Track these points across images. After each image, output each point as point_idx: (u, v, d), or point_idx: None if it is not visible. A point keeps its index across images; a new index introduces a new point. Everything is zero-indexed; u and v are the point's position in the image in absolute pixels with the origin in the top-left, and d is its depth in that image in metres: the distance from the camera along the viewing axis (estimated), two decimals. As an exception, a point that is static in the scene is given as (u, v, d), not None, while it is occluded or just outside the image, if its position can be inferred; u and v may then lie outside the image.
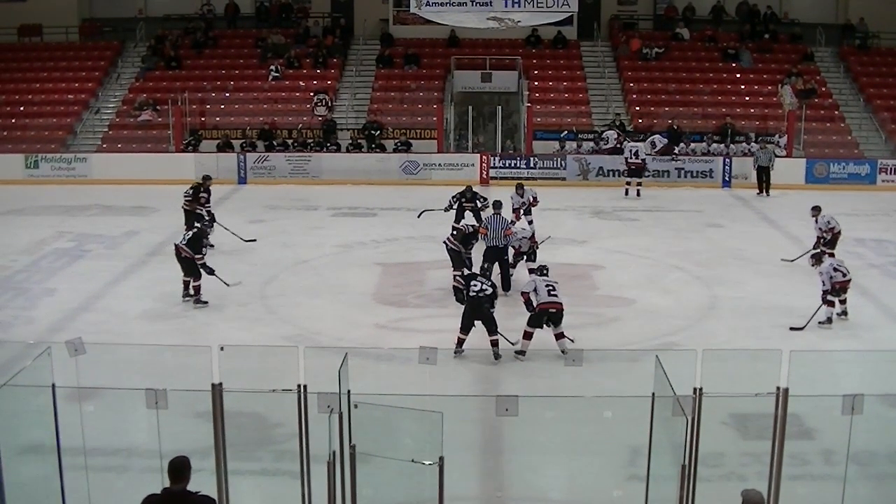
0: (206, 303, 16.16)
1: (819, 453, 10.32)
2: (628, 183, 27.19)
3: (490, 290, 13.65)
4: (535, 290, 13.65)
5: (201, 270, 16.14)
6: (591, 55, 35.18)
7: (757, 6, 36.05)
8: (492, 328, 13.46)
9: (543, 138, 30.73)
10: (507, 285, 16.59)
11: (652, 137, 29.30)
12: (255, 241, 20.08)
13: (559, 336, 13.52)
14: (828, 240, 18.22)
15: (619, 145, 29.05)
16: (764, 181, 27.24)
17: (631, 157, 27.10)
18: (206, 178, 21.02)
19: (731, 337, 14.41)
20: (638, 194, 26.71)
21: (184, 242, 16.17)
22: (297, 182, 28.46)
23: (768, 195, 26.85)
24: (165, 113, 31.12)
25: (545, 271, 14.30)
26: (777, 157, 28.26)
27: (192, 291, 16.21)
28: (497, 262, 16.61)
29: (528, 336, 13.51)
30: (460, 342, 13.53)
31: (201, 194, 20.29)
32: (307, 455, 7.65)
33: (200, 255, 16.09)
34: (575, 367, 8.07)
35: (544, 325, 13.53)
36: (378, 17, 36.73)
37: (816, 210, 18.94)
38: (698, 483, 7.59)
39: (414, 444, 7.23)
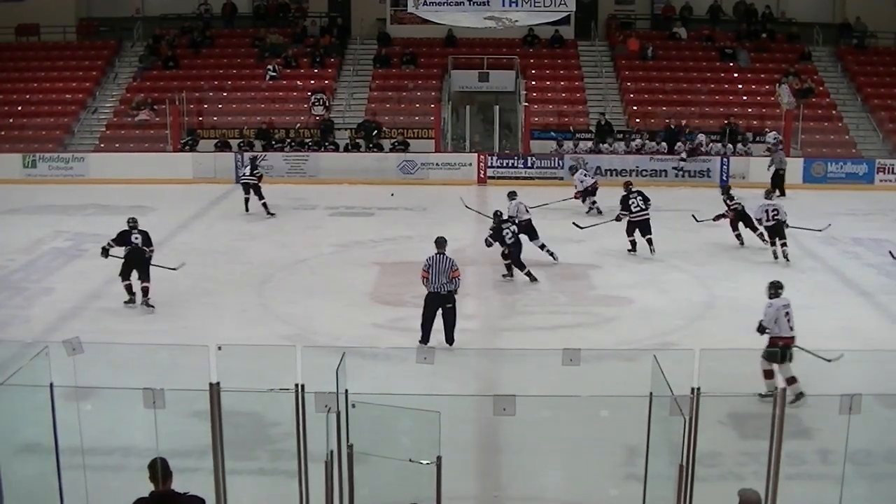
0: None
1: (816, 453, 10.34)
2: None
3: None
4: (776, 319, 12.19)
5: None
6: (589, 55, 35.21)
7: (754, 5, 36.11)
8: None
9: (541, 138, 30.76)
10: (450, 337, 14.04)
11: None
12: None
13: (790, 381, 11.65)
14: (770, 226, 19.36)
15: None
16: (779, 183, 27.37)
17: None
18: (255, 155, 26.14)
19: (729, 336, 14.41)
20: None
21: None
22: (295, 181, 28.44)
23: (784, 195, 26.99)
24: (163, 112, 31.11)
25: (781, 290, 12.43)
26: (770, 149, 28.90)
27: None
28: (440, 312, 14.13)
29: (769, 375, 11.89)
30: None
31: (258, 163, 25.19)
32: (305, 454, 7.65)
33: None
34: (572, 366, 8.05)
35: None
36: (375, 16, 36.75)
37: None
38: (696, 483, 7.59)
39: (411, 443, 7.23)
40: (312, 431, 7.53)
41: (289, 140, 30.90)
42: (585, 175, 24.75)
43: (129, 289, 16.16)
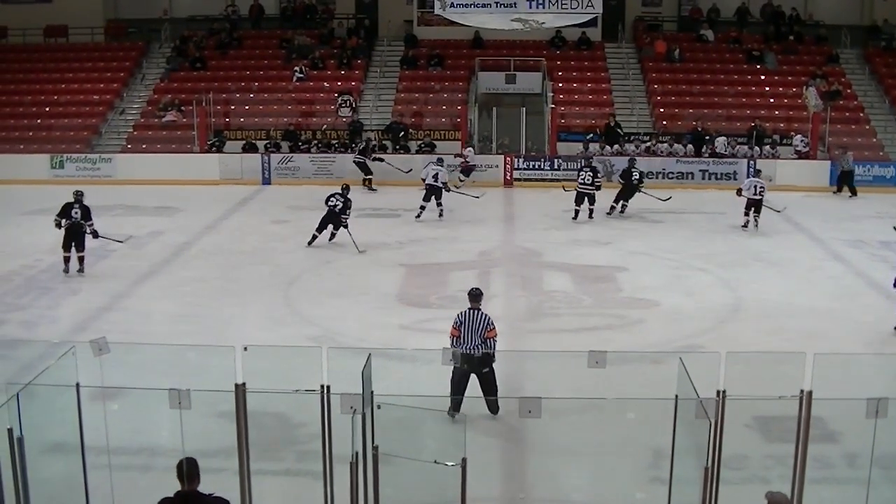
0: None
1: (843, 456, 10.28)
2: None
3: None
4: None
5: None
6: (616, 57, 35.12)
7: (781, 7, 35.92)
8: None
9: (567, 140, 30.68)
10: (494, 406, 11.49)
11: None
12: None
13: None
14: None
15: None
16: (847, 185, 27.79)
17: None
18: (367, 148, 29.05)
19: (755, 339, 14.35)
20: None
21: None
22: (322, 183, 28.41)
23: (855, 195, 27.38)
24: (190, 113, 31.24)
25: None
26: (798, 153, 29.13)
27: None
28: (476, 378, 11.55)
29: None
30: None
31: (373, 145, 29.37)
32: (330, 456, 7.65)
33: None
34: (598, 368, 8.03)
35: None
36: (402, 18, 36.79)
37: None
38: (721, 485, 7.56)
39: (437, 445, 7.23)
40: (338, 433, 7.54)
41: (315, 141, 30.94)
42: (470, 151, 29.27)
43: (66, 260, 18.17)
